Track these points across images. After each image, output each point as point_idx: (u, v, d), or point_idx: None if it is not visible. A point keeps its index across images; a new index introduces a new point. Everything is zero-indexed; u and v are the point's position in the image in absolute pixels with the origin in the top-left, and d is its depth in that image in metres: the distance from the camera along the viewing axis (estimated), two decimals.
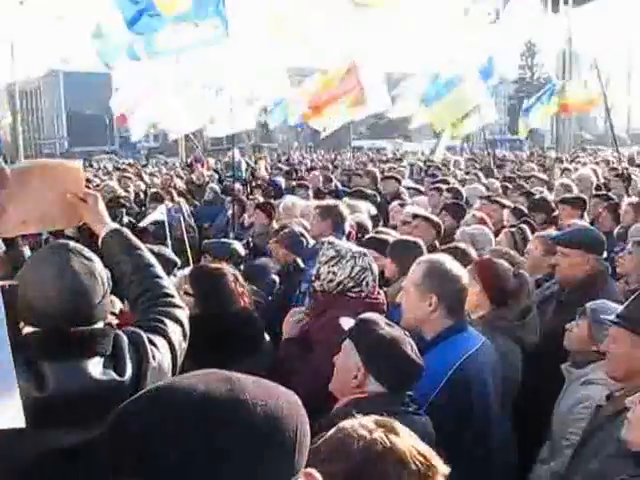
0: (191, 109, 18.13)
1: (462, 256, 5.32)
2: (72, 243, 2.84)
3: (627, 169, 12.55)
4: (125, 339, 2.80)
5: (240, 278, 4.66)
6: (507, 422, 4.57)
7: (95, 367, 2.65)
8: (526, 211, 8.84)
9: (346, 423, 2.13)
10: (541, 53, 79.78)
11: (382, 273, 5.70)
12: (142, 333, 2.89)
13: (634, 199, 8.53)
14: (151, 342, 2.88)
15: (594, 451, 3.48)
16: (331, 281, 4.82)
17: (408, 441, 2.11)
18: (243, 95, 18.37)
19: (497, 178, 14.64)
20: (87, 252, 2.82)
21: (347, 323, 3.56)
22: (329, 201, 7.85)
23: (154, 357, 2.83)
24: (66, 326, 2.67)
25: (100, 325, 2.79)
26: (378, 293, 4.90)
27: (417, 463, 2.04)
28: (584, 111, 23.94)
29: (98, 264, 2.82)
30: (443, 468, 2.09)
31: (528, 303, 4.97)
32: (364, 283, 4.87)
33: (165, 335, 2.98)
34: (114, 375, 2.67)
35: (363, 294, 4.79)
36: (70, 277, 2.69)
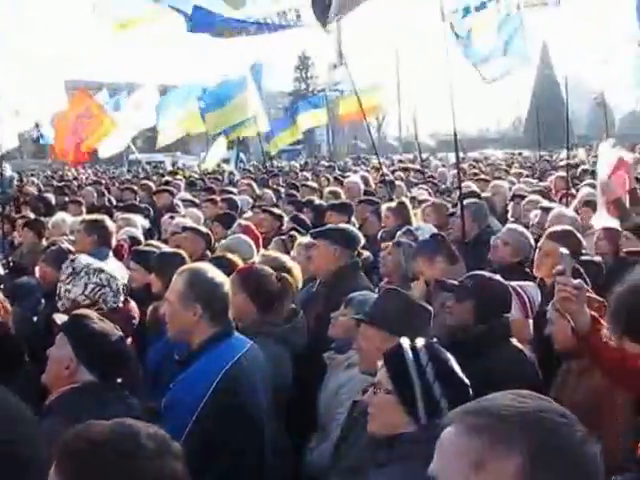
0: None
1: (230, 265, 5.39)
2: None
3: (387, 175, 13.14)
4: None
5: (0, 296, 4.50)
6: (281, 423, 4.68)
7: None
8: (307, 219, 9.24)
9: None
10: (314, 66, 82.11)
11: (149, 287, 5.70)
12: None
13: (392, 204, 8.95)
14: None
15: (351, 445, 3.64)
16: (68, 299, 4.74)
17: None
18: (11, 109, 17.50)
19: (271, 188, 14.96)
20: None
21: (60, 318, 3.69)
22: (94, 216, 7.69)
23: None
24: None
25: None
26: (129, 308, 4.90)
27: None
28: (357, 119, 24.94)
29: None
30: None
31: (293, 306, 5.13)
32: (101, 300, 4.81)
33: None
34: None
35: (104, 311, 4.73)
36: None
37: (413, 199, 10.66)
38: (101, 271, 4.85)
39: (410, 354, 3.00)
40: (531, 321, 5.02)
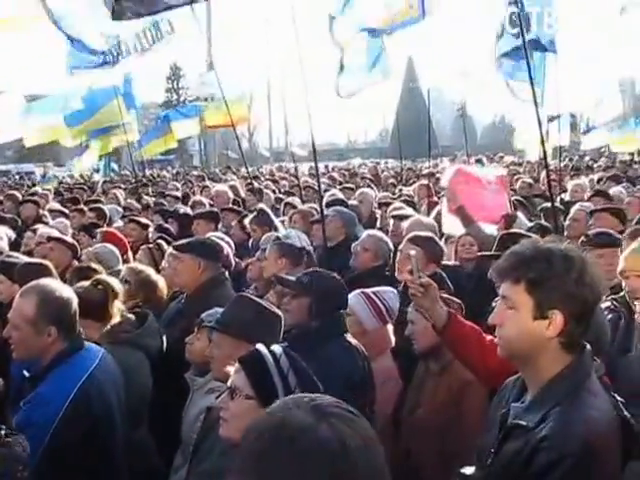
0: None
1: (94, 274, 5.38)
2: None
3: (255, 185, 13.32)
4: None
5: None
6: (142, 429, 4.69)
7: None
8: (172, 228, 9.34)
9: None
10: (185, 77, 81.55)
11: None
12: None
13: (253, 215, 9.00)
14: None
15: (207, 451, 3.66)
16: None
17: None
18: None
19: (138, 197, 14.97)
20: None
21: None
22: None
23: None
24: None
25: None
26: None
27: None
28: (224, 128, 25.13)
29: None
30: None
31: (144, 310, 5.13)
32: None
33: None
34: None
35: None
36: None
37: (287, 205, 10.93)
38: None
39: (271, 360, 3.00)
40: (390, 326, 5.08)
